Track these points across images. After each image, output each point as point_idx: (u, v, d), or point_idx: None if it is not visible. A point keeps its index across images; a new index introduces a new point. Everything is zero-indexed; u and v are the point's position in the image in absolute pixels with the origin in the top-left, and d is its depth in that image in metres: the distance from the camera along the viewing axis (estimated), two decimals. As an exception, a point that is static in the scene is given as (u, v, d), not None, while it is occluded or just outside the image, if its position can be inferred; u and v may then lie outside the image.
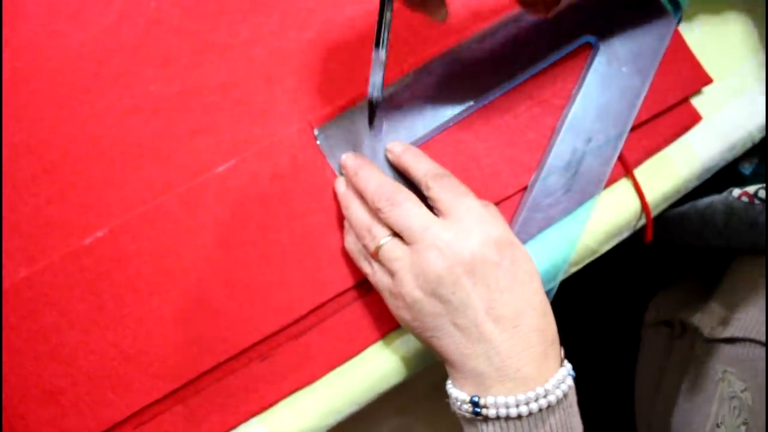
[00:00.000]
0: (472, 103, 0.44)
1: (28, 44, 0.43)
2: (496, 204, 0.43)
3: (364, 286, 0.42)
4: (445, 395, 0.37)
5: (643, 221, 0.46)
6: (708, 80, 0.46)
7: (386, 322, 0.42)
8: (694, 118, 0.46)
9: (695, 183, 0.47)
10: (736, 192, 0.49)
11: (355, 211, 0.39)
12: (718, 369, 0.47)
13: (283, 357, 0.41)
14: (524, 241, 0.43)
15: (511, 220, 0.44)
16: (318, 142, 0.43)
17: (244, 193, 0.42)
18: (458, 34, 0.44)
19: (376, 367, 0.42)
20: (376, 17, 0.38)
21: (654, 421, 0.55)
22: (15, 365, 0.40)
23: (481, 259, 0.35)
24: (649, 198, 0.45)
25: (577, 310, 0.61)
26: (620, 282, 0.71)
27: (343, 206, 0.41)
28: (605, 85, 0.44)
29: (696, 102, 0.46)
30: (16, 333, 0.40)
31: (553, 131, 0.44)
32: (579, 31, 0.45)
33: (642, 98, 0.44)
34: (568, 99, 0.45)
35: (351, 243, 0.40)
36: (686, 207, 0.53)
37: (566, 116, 0.44)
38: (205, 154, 0.43)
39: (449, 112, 0.44)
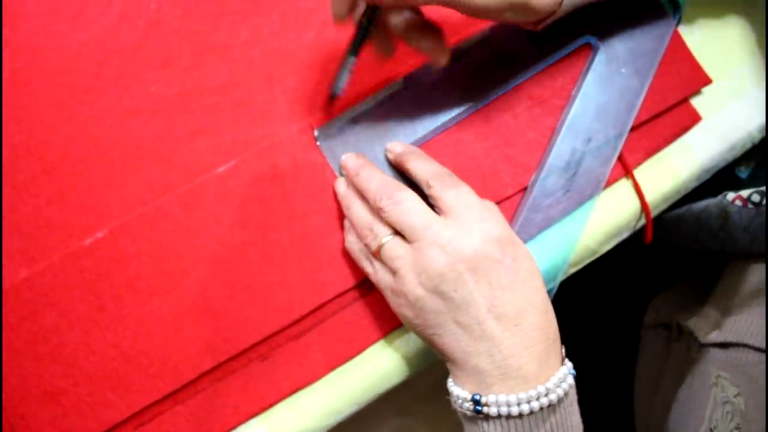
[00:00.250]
0: (471, 103, 0.44)
1: (28, 44, 0.43)
2: (496, 204, 0.43)
3: (364, 287, 0.42)
4: (446, 394, 0.37)
5: (642, 222, 0.46)
6: (707, 81, 0.46)
7: (386, 323, 0.42)
8: (694, 119, 0.46)
9: (695, 183, 0.47)
10: (731, 196, 0.49)
11: (357, 210, 0.39)
12: (711, 373, 0.47)
13: (284, 357, 0.41)
14: (524, 242, 0.43)
15: (510, 221, 0.44)
16: (318, 143, 0.43)
17: (244, 193, 0.42)
18: (458, 34, 0.44)
19: (377, 368, 0.42)
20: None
21: (652, 423, 0.55)
22: (15, 366, 0.40)
23: (484, 256, 0.35)
24: (649, 198, 0.45)
25: (577, 310, 0.61)
26: (620, 283, 0.71)
27: (344, 206, 0.41)
28: (605, 85, 0.44)
29: (696, 103, 0.46)
30: (16, 334, 0.40)
31: (553, 131, 0.44)
32: (579, 31, 0.45)
33: (642, 98, 0.44)
34: (568, 99, 0.45)
35: (352, 243, 0.40)
36: (683, 210, 0.53)
37: (566, 116, 0.44)
38: (205, 155, 0.43)
39: (449, 112, 0.44)
